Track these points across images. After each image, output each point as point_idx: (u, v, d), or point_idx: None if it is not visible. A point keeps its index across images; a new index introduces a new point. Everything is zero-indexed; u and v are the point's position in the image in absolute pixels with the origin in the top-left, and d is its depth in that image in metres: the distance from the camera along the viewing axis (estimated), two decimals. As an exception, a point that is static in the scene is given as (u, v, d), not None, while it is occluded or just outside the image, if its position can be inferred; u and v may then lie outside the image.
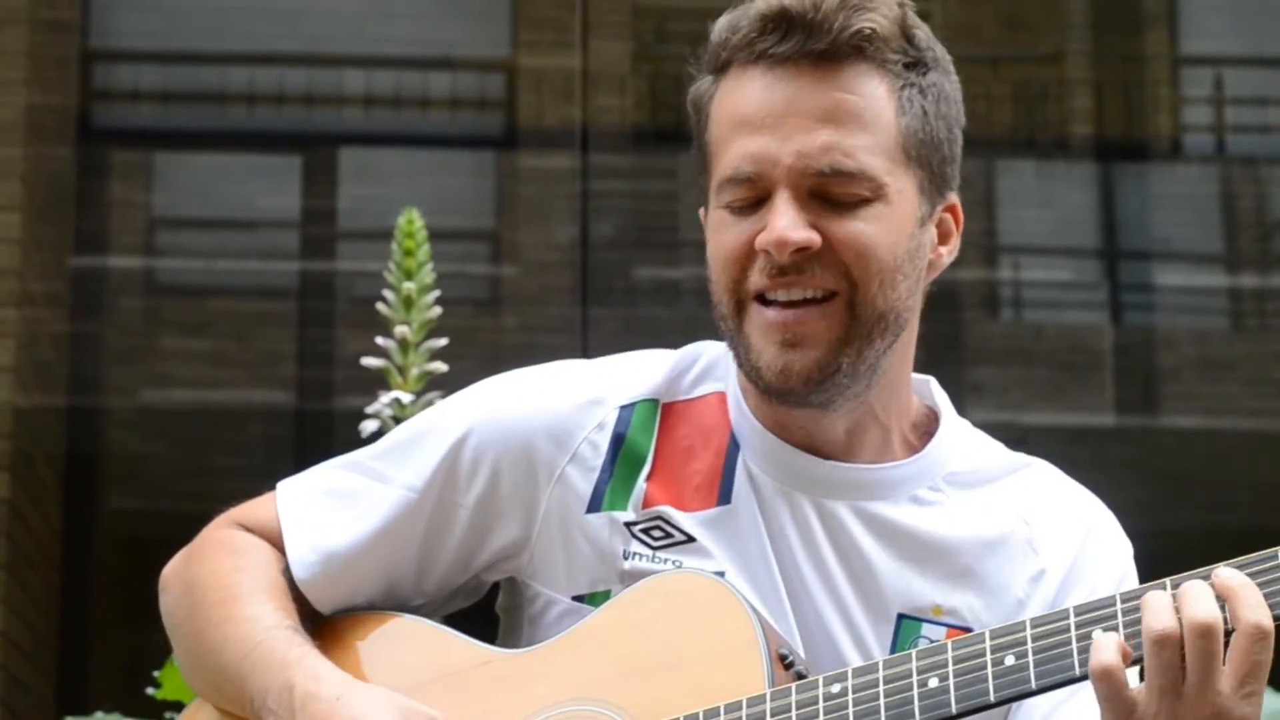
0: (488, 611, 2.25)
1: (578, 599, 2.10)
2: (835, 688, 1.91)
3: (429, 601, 2.20)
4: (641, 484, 2.10)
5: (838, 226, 2.01)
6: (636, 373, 2.16)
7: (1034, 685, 1.85)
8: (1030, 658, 1.86)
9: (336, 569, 2.15)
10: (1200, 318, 8.70)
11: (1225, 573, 1.82)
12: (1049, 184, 8.83)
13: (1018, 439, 2.26)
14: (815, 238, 2.01)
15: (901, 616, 2.06)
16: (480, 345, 7.73)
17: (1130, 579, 2.11)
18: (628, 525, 2.09)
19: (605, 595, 2.08)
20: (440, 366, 3.51)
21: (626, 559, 2.09)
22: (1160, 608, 1.81)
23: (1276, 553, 1.84)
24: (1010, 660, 1.86)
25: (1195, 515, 8.31)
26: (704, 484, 2.11)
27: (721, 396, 2.15)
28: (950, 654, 1.89)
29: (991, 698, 1.86)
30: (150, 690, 3.45)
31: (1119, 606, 1.85)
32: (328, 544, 2.15)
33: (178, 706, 3.36)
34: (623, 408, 2.14)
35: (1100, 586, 2.07)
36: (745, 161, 2.03)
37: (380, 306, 3.53)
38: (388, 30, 8.58)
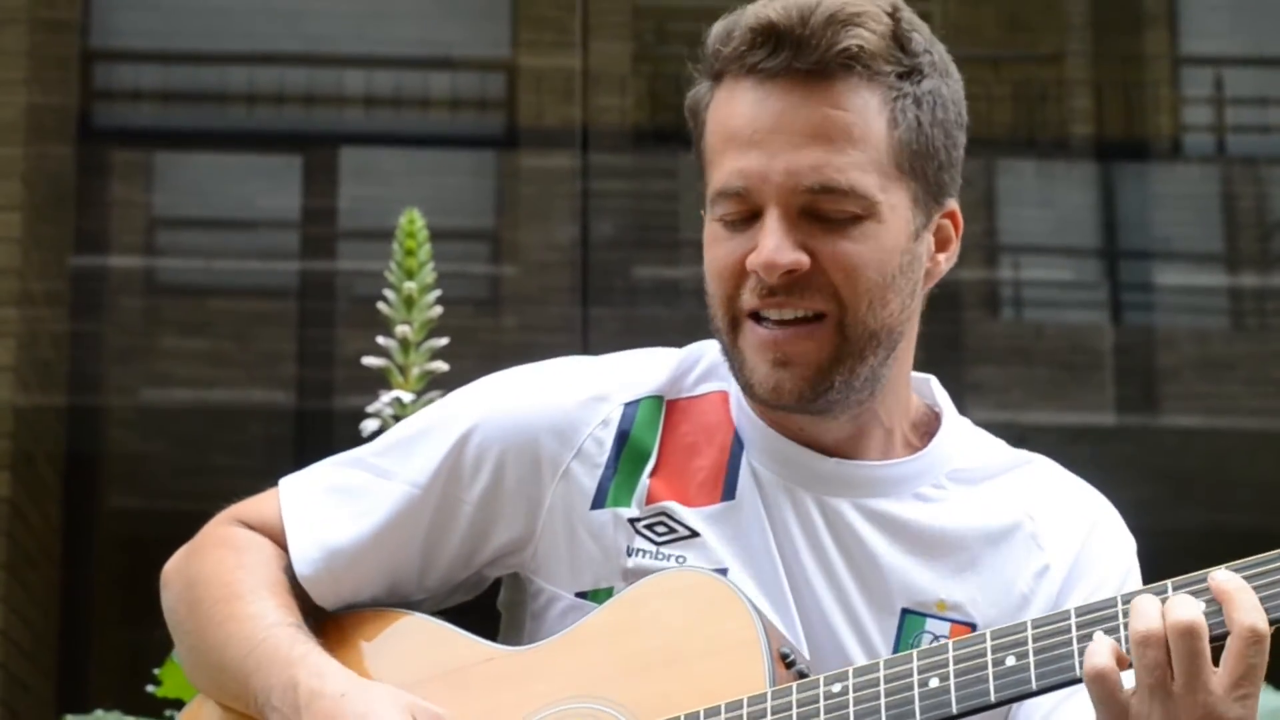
0: (489, 607, 2.25)
1: (581, 595, 2.10)
2: (836, 687, 1.91)
3: (430, 597, 2.20)
4: (645, 480, 2.11)
5: (827, 246, 2.00)
6: (641, 370, 2.16)
7: (1035, 686, 1.85)
8: (1031, 658, 1.86)
9: (340, 566, 2.16)
10: (1200, 317, 8.71)
11: (1221, 575, 1.82)
12: (1049, 184, 8.83)
13: (1018, 438, 2.26)
14: (804, 259, 2.00)
15: (905, 611, 2.06)
16: (481, 345, 7.73)
17: (1134, 574, 2.11)
18: (632, 521, 2.10)
19: (608, 592, 2.09)
20: (441, 366, 3.51)
21: (630, 555, 2.09)
22: (1146, 610, 1.81)
23: (1275, 556, 1.84)
24: (1011, 661, 1.86)
25: (1195, 515, 8.31)
26: (708, 480, 2.11)
27: (724, 395, 2.15)
28: (951, 654, 1.89)
29: (992, 698, 1.86)
30: (151, 688, 3.45)
31: (1120, 608, 1.85)
32: (331, 541, 2.16)
33: (178, 704, 3.36)
34: (627, 404, 2.14)
35: (1104, 582, 2.07)
36: (735, 177, 2.02)
37: (381, 306, 3.53)
38: (388, 30, 8.58)
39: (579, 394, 2.14)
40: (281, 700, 2.04)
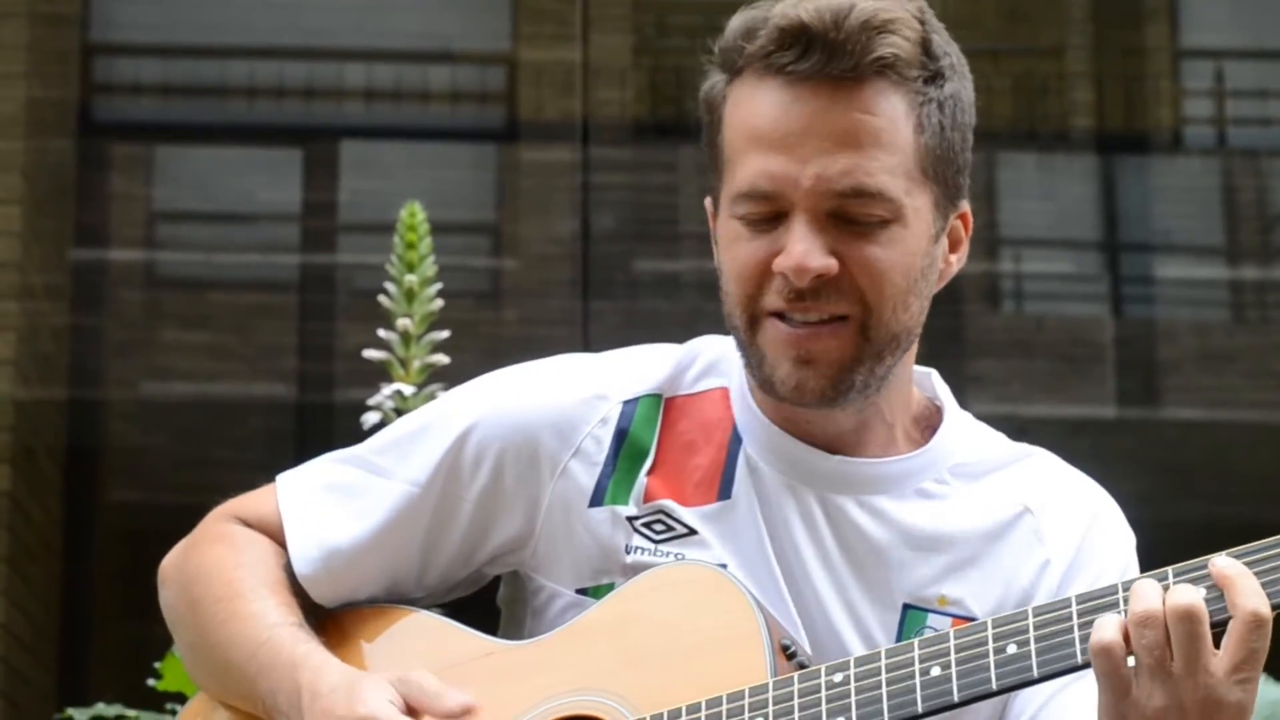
0: (489, 603, 2.25)
1: (581, 592, 2.11)
2: (837, 677, 1.91)
3: (429, 595, 2.20)
4: (643, 478, 2.11)
5: (854, 251, 2.00)
6: (640, 367, 2.16)
7: (1036, 674, 1.86)
8: (1032, 646, 1.86)
9: (339, 565, 2.15)
10: (1201, 310, 8.70)
11: (1222, 561, 1.83)
12: (1050, 177, 8.83)
13: (1019, 431, 2.26)
14: (833, 264, 2.00)
15: (907, 606, 2.07)
16: (481, 338, 7.73)
17: (1133, 568, 2.12)
18: (630, 519, 2.10)
19: (609, 588, 2.09)
20: (442, 359, 3.51)
21: (629, 553, 2.09)
22: (1145, 593, 1.82)
23: (1276, 542, 1.84)
24: (1012, 649, 1.87)
25: (1196, 507, 8.31)
26: (705, 479, 2.11)
27: (724, 392, 2.15)
28: (952, 642, 1.89)
29: (994, 686, 1.87)
30: (151, 682, 3.45)
31: (1121, 595, 1.85)
32: (331, 540, 2.15)
33: (179, 698, 3.36)
34: (626, 402, 2.14)
35: (1104, 574, 2.08)
36: (763, 180, 2.01)
37: (382, 299, 3.53)
38: (388, 23, 8.58)
39: (578, 392, 2.14)
40: (289, 704, 2.04)
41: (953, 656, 1.88)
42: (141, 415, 8.45)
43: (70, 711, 3.61)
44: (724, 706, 1.93)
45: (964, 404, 2.22)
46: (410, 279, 3.52)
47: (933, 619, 2.06)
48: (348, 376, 7.84)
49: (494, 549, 2.15)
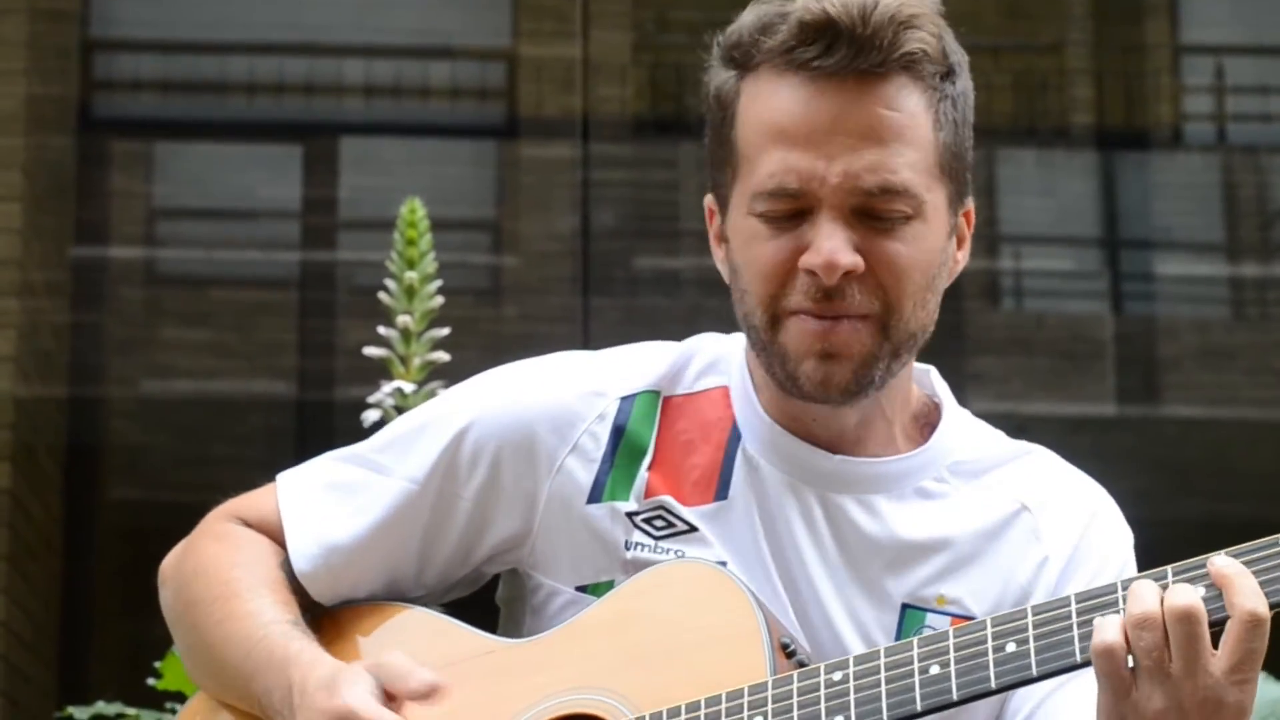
0: (487, 601, 2.25)
1: (581, 589, 2.11)
2: (837, 675, 1.91)
3: (428, 594, 2.20)
4: (644, 473, 2.10)
5: (878, 248, 2.00)
6: (637, 364, 2.16)
7: (1035, 672, 1.86)
8: (1031, 644, 1.86)
9: (338, 562, 2.15)
10: (1201, 307, 8.70)
11: (1220, 561, 1.83)
12: (1050, 173, 8.83)
13: (1018, 428, 2.26)
14: (860, 261, 1.99)
15: (905, 606, 2.07)
16: (482, 335, 7.73)
17: (1130, 567, 2.12)
18: (630, 515, 2.10)
19: (609, 585, 2.09)
20: (442, 356, 3.51)
21: (629, 549, 2.09)
22: (1143, 594, 1.82)
23: (1274, 541, 1.84)
24: (1011, 647, 1.87)
25: (1196, 505, 8.31)
26: (702, 479, 2.11)
27: (724, 391, 2.15)
28: (951, 641, 1.89)
29: (993, 684, 1.87)
30: (151, 680, 3.45)
31: (1120, 594, 1.85)
32: (329, 537, 2.15)
33: (179, 697, 3.36)
34: (623, 399, 2.13)
35: (1101, 572, 2.08)
36: (789, 177, 2.00)
37: (382, 296, 3.53)
38: (388, 19, 8.58)
39: (575, 389, 2.13)
40: (282, 702, 2.05)
41: (951, 655, 1.88)
42: (142, 413, 8.45)
43: (70, 710, 3.61)
44: (723, 705, 1.93)
45: (964, 401, 2.22)
46: (410, 276, 3.52)
47: (931, 618, 2.06)
48: (348, 374, 7.84)
49: (492, 547, 2.15)
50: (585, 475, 2.11)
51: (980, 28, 8.49)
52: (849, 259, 1.99)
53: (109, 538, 8.44)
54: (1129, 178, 8.81)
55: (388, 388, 3.46)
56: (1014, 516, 2.11)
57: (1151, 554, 2.07)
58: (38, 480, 8.10)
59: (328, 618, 2.17)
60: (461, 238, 8.41)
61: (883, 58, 1.99)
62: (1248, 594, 1.80)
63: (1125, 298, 8.82)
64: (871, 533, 2.08)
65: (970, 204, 2.12)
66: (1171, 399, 8.50)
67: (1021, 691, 2.02)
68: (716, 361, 2.16)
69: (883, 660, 1.91)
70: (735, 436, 2.11)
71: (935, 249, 2.04)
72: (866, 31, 1.98)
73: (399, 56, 8.61)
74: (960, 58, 2.07)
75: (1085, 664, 1.85)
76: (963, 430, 2.16)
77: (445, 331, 3.52)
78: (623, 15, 8.60)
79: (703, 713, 1.94)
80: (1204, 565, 1.84)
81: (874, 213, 2.00)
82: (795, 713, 1.91)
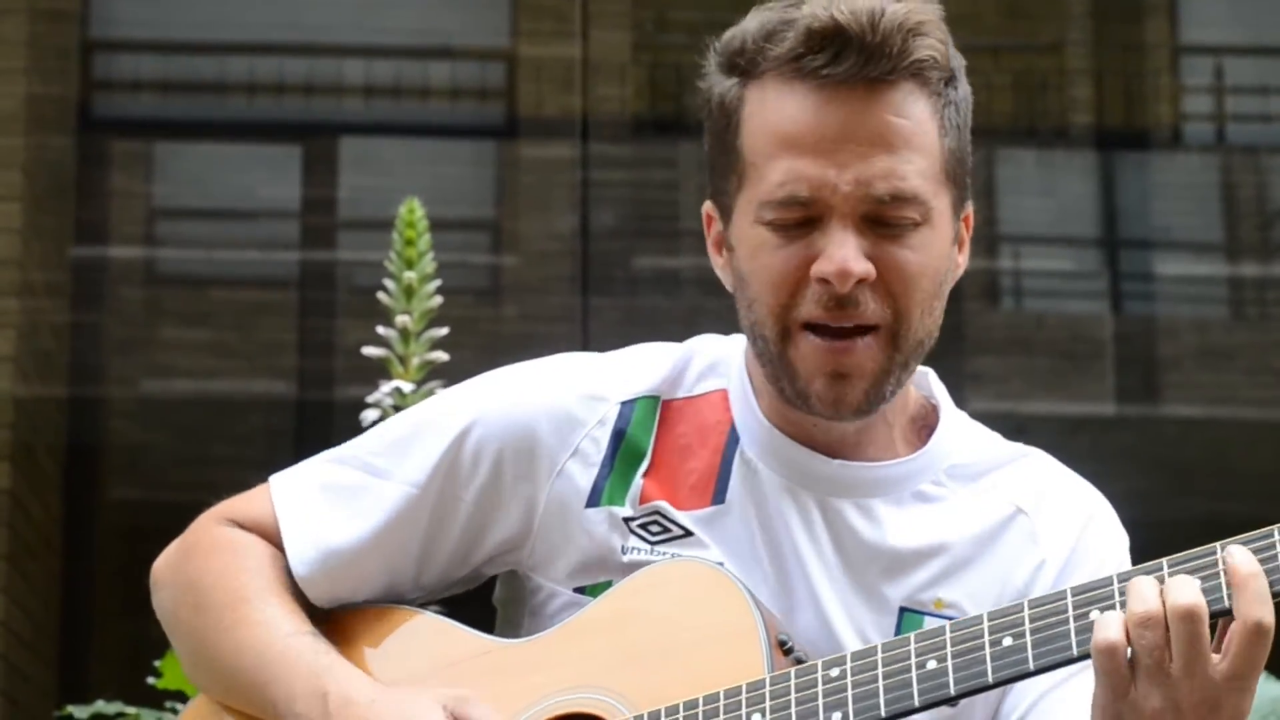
0: (485, 600, 2.25)
1: (579, 591, 2.11)
2: (834, 671, 1.92)
3: (427, 594, 2.20)
4: (639, 479, 2.10)
5: (888, 255, 2.00)
6: (638, 368, 2.16)
7: (1032, 666, 1.86)
8: (1028, 638, 1.86)
9: (337, 567, 2.15)
10: (1201, 307, 8.71)
11: (1240, 556, 1.81)
12: (1049, 173, 8.83)
13: (1018, 428, 2.26)
14: (872, 268, 1.99)
15: (903, 610, 2.07)
16: (481, 335, 7.73)
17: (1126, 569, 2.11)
18: (626, 520, 2.10)
19: (606, 585, 2.09)
20: (441, 356, 3.51)
21: (625, 553, 2.09)
22: (1144, 593, 1.81)
23: (1273, 531, 1.84)
24: (1008, 641, 1.87)
25: (1195, 504, 8.31)
26: (699, 483, 2.11)
27: (723, 394, 2.14)
28: (949, 636, 1.89)
29: (990, 679, 1.87)
30: (151, 680, 3.45)
31: (1116, 587, 1.85)
32: (328, 542, 2.14)
33: (179, 696, 3.36)
34: (624, 404, 2.13)
35: (1098, 576, 2.07)
36: (799, 185, 1.99)
37: (381, 296, 3.53)
38: (387, 19, 8.58)
39: (576, 393, 2.13)
40: (307, 707, 2.03)
41: (949, 650, 1.88)
42: (141, 412, 8.46)
43: (70, 709, 3.61)
44: (721, 703, 1.94)
45: (964, 402, 2.22)
46: (409, 276, 3.52)
47: (929, 622, 2.05)
48: (347, 373, 7.84)
49: (492, 548, 2.15)
50: (585, 479, 2.11)
51: (980, 28, 8.50)
52: (862, 266, 1.98)
53: (108, 537, 8.44)
54: (1128, 178, 8.82)
55: (387, 387, 3.46)
56: (1011, 520, 2.11)
57: (1150, 554, 2.07)
58: (37, 480, 8.10)
59: (326, 620, 2.16)
60: (461, 237, 8.41)
61: (892, 65, 1.99)
62: (1256, 601, 1.79)
63: (1125, 298, 8.82)
64: (869, 537, 2.08)
65: (970, 208, 2.12)
66: (1171, 399, 8.50)
67: (1017, 689, 2.03)
68: (716, 364, 2.16)
69: (880, 656, 1.91)
70: (733, 440, 2.11)
71: (942, 255, 2.04)
72: (876, 39, 1.98)
73: (398, 56, 8.61)
74: (960, 62, 2.07)
75: (1081, 658, 1.85)
76: (960, 433, 2.16)
77: (444, 331, 3.52)
78: (622, 15, 8.60)
79: (701, 711, 1.94)
80: (1199, 558, 1.83)
81: (884, 220, 2.00)
82: (793, 709, 1.91)
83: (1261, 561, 1.81)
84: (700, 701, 1.95)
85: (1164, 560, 1.85)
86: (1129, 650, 1.81)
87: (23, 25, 8.05)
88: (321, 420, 8.01)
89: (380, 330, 3.51)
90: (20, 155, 7.96)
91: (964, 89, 2.07)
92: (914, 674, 1.89)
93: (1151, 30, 8.83)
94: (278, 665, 2.07)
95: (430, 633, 2.13)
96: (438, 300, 3.53)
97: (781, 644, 1.97)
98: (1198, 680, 1.80)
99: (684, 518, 2.09)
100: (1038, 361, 8.49)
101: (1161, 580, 1.83)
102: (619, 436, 2.12)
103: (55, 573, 8.24)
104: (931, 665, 1.88)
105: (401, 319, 3.50)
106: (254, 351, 8.32)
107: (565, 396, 2.13)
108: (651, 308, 8.23)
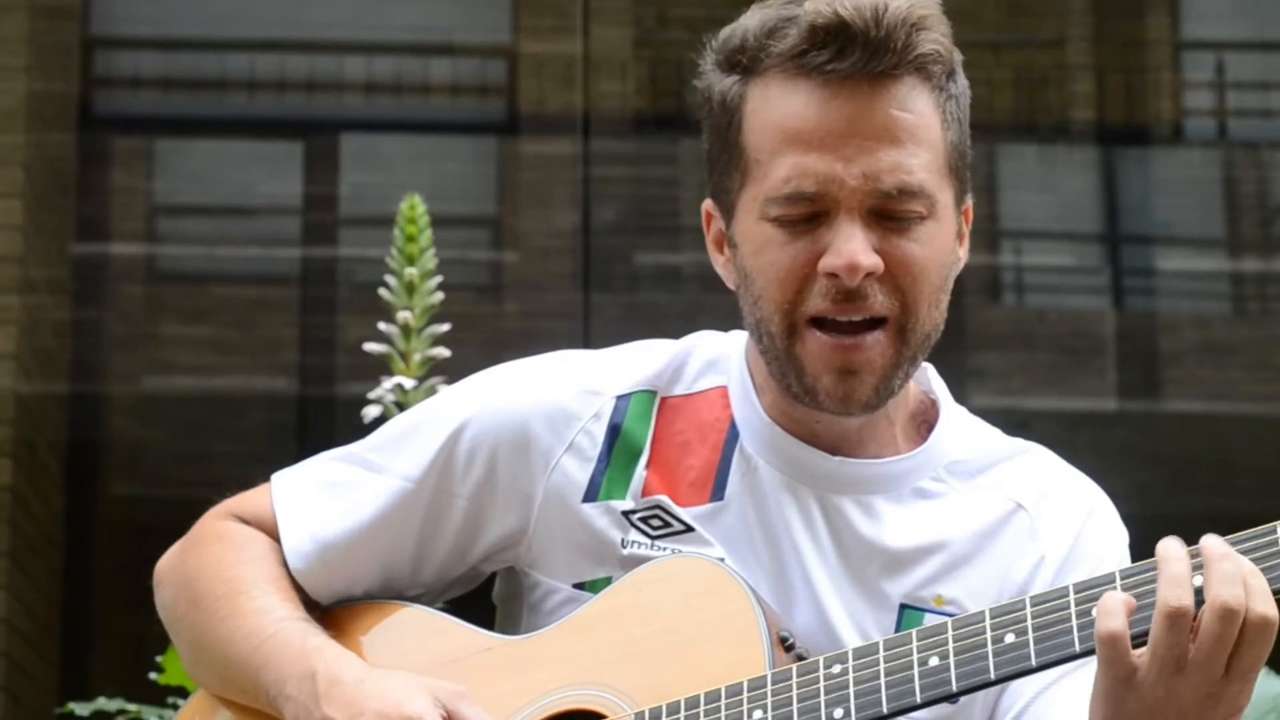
0: (485, 598, 2.25)
1: (578, 586, 2.11)
2: (836, 668, 1.92)
3: (426, 592, 2.20)
4: (641, 472, 2.11)
5: (894, 249, 2.01)
6: (633, 363, 2.16)
7: (1034, 662, 1.86)
8: (1030, 635, 1.86)
9: (333, 559, 2.15)
10: (1202, 302, 8.70)
11: (1245, 564, 1.81)
12: (1050, 169, 8.82)
13: (1020, 424, 2.26)
14: (880, 262, 2.00)
15: (904, 607, 2.07)
16: (482, 331, 7.73)
17: (1125, 565, 2.11)
18: (626, 514, 2.10)
19: (606, 582, 2.09)
20: (442, 352, 3.51)
21: (625, 547, 2.09)
22: (1178, 581, 1.80)
23: (1276, 527, 1.84)
24: (1010, 638, 1.87)
25: (1197, 500, 8.31)
26: (698, 480, 2.11)
27: (723, 391, 2.14)
28: (950, 632, 1.89)
29: (992, 675, 1.87)
30: (153, 675, 3.45)
31: (1119, 584, 1.85)
32: (324, 534, 2.15)
33: (180, 692, 3.36)
34: (619, 398, 2.13)
35: (1097, 572, 2.07)
36: (806, 181, 2.00)
37: (382, 292, 3.53)
38: (388, 16, 8.57)
39: (571, 388, 2.14)
40: (297, 689, 2.04)
41: (951, 646, 1.88)
42: (142, 409, 8.45)
43: (72, 705, 3.61)
44: (723, 699, 1.94)
45: (965, 397, 2.22)
46: (411, 272, 3.52)
47: (929, 618, 2.05)
48: (349, 370, 7.84)
49: (489, 545, 2.15)
50: (581, 474, 2.11)
51: (981, 23, 8.49)
52: (870, 260, 1.99)
53: (110, 534, 8.44)
54: (1130, 173, 8.81)
55: (388, 383, 3.46)
56: (1010, 516, 2.11)
57: (1151, 549, 2.07)
58: (39, 476, 8.10)
59: (326, 616, 2.17)
60: (462, 234, 8.41)
61: (896, 60, 1.99)
62: (1260, 598, 1.80)
63: (1126, 293, 8.81)
64: (869, 534, 2.08)
65: (970, 201, 2.12)
66: (1172, 394, 8.49)
67: (1014, 686, 2.03)
68: (715, 361, 2.16)
69: (882, 653, 1.91)
70: (733, 437, 2.11)
71: (947, 248, 2.05)
72: (880, 34, 1.99)
73: (400, 53, 8.61)
74: (957, 55, 2.07)
75: (1084, 654, 1.85)
76: (960, 429, 2.16)
77: (445, 327, 3.53)
78: (623, 11, 8.60)
79: (702, 708, 1.94)
80: (1198, 555, 1.83)
81: (890, 214, 2.00)
82: (795, 706, 1.91)
83: (1257, 561, 1.81)
84: (701, 698, 1.95)
85: (1207, 539, 1.83)
86: (1148, 641, 1.80)
87: (23, 22, 8.05)
88: (323, 417, 8.01)
89: (381, 326, 3.51)
90: (21, 152, 7.95)
91: (963, 83, 2.08)
92: (916, 671, 1.89)
93: (1153, 25, 8.82)
94: (269, 649, 2.08)
95: (431, 629, 2.13)
96: (439, 296, 3.53)
97: (783, 640, 1.98)
98: (1209, 675, 1.80)
99: (684, 513, 2.09)
100: (1039, 357, 8.48)
101: (1197, 566, 1.81)
102: (615, 430, 2.12)
103: (56, 569, 8.24)
104: (934, 662, 1.89)
105: (403, 315, 3.51)
106: (255, 348, 8.32)
107: (559, 392, 2.13)
108: (653, 304, 8.23)
